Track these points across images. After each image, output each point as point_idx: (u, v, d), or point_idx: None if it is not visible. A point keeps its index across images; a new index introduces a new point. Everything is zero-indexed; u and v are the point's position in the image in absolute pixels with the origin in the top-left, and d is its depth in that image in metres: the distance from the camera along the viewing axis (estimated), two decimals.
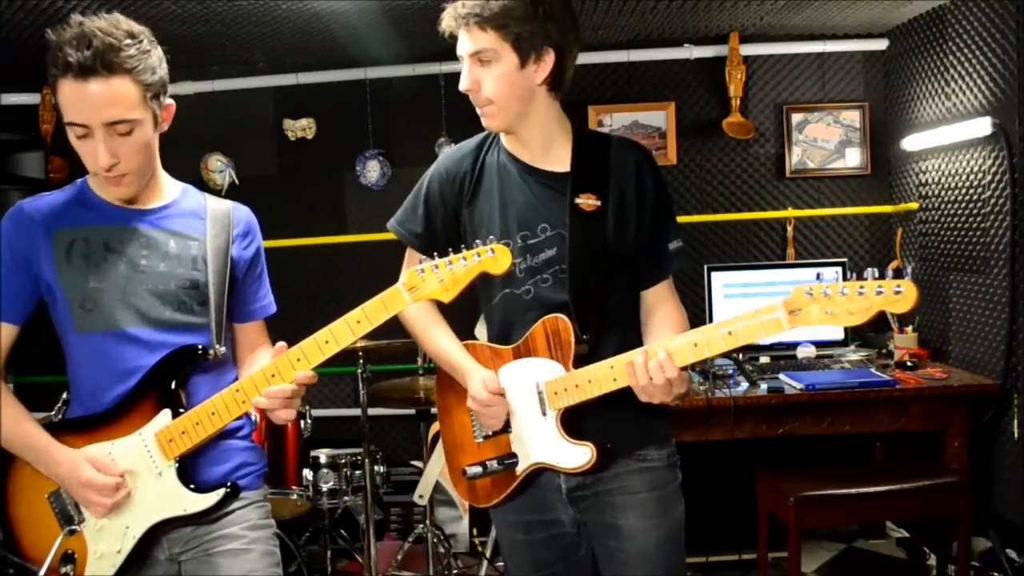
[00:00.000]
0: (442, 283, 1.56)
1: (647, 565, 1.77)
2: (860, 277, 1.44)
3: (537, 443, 1.75)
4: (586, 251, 1.74)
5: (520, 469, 1.78)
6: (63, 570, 1.63)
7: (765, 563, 3.12)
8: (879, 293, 1.39)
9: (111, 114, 1.52)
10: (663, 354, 1.58)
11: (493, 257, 1.55)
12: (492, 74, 1.69)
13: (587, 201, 1.75)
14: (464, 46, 1.71)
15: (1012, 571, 2.97)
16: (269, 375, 1.63)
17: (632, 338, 1.77)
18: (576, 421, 1.73)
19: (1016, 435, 3.04)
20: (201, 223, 1.74)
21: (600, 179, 1.76)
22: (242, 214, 1.81)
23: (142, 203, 1.69)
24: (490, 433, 1.81)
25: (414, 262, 1.89)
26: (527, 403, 1.75)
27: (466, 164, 1.84)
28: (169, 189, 1.75)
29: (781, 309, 1.48)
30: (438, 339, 1.88)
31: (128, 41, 1.53)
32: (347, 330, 1.62)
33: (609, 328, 1.76)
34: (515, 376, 1.77)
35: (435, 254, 1.58)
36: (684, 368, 1.60)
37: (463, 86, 1.73)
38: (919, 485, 2.99)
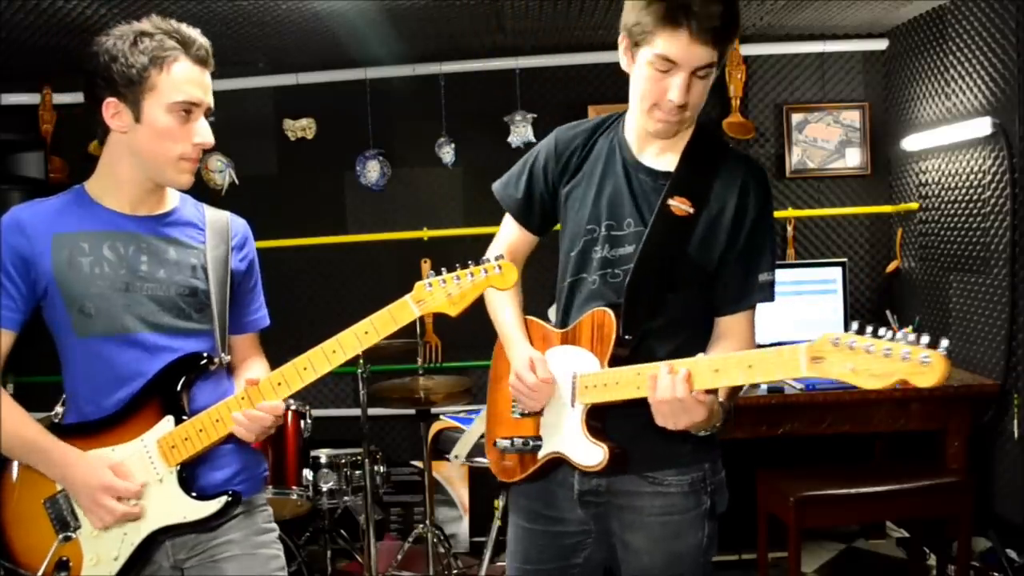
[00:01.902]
0: (449, 297, 1.59)
1: None
2: (895, 336, 1.26)
3: (560, 432, 1.75)
4: (660, 255, 1.68)
5: (542, 454, 1.78)
6: None
7: (765, 563, 3.13)
8: (905, 359, 1.22)
9: (211, 101, 1.66)
10: (684, 372, 1.51)
11: (500, 274, 1.58)
12: (703, 86, 1.63)
13: (680, 205, 1.68)
14: (693, 58, 1.57)
15: (1012, 571, 2.97)
16: (275, 383, 1.64)
17: (687, 354, 1.59)
18: (603, 421, 1.71)
19: (1016, 435, 3.04)
20: (200, 233, 1.75)
21: (702, 187, 1.69)
22: (239, 225, 1.82)
23: (144, 210, 1.69)
24: (526, 412, 1.82)
25: (509, 227, 1.92)
26: (562, 391, 1.75)
27: (577, 142, 1.82)
28: (169, 197, 1.75)
29: (803, 354, 1.38)
30: (500, 309, 1.88)
31: None
32: (355, 340, 1.63)
33: (660, 338, 1.69)
34: (557, 361, 1.77)
35: (443, 269, 1.59)
36: (709, 391, 1.52)
37: (680, 100, 1.59)
38: (919, 485, 2.99)
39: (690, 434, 1.64)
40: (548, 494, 1.82)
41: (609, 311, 1.69)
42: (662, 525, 1.72)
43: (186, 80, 1.60)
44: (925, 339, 1.23)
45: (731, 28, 1.59)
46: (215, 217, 1.79)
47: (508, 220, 1.93)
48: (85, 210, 1.67)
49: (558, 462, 1.77)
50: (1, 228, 1.62)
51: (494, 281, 1.59)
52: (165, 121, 1.60)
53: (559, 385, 1.75)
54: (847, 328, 1.33)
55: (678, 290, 1.70)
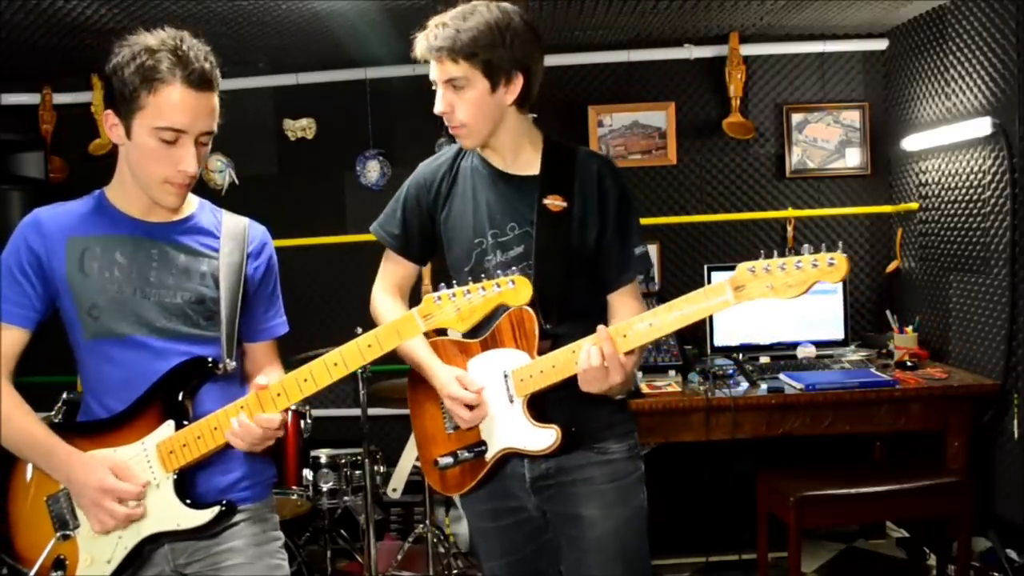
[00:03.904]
0: (458, 312, 1.57)
1: (604, 551, 1.85)
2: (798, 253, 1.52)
3: (505, 429, 1.82)
4: (552, 248, 1.83)
5: (490, 455, 1.85)
6: (53, 575, 1.62)
7: (765, 563, 3.13)
8: (815, 266, 1.49)
9: (208, 125, 1.62)
10: (602, 331, 1.67)
11: (513, 289, 1.57)
12: (465, 99, 1.79)
13: (554, 202, 1.84)
14: (437, 74, 1.80)
15: (1012, 571, 2.97)
16: (275, 394, 1.63)
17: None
18: (542, 410, 1.81)
19: (1016, 435, 3.04)
20: (215, 240, 1.74)
21: (566, 183, 1.86)
22: (257, 232, 1.82)
23: (158, 215, 1.70)
24: (465, 426, 1.86)
25: (391, 263, 2.04)
26: (495, 392, 1.83)
27: (442, 171, 1.96)
28: (186, 203, 1.74)
29: (727, 286, 1.56)
30: (408, 344, 1.91)
31: (214, 59, 1.63)
32: (357, 353, 1.62)
33: (572, 320, 1.82)
34: (483, 367, 1.85)
35: (446, 284, 1.61)
36: (629, 353, 1.68)
37: (438, 109, 1.82)
38: (919, 485, 2.99)
39: (621, 405, 1.88)
40: (502, 489, 1.91)
41: (527, 308, 1.78)
42: (613, 491, 1.87)
43: (172, 106, 1.56)
44: (824, 248, 1.50)
45: (467, 46, 1.74)
46: (232, 224, 1.79)
47: (389, 256, 2.05)
48: (102, 214, 1.68)
49: (507, 459, 1.86)
50: (21, 227, 1.65)
51: (507, 297, 1.57)
52: (150, 144, 1.58)
53: (492, 387, 1.83)
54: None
55: (574, 278, 1.86)
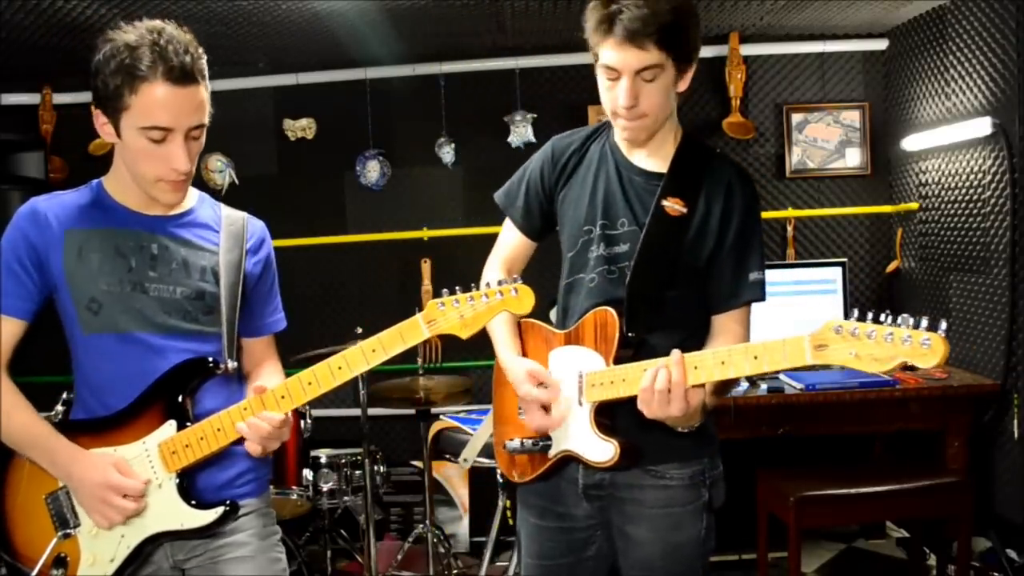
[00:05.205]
0: (462, 319, 1.56)
1: (651, 572, 1.78)
2: (893, 322, 1.33)
3: (570, 431, 1.76)
4: (657, 253, 1.72)
5: (552, 453, 1.80)
6: (54, 573, 1.62)
7: (765, 563, 3.13)
8: (906, 342, 1.30)
9: (197, 119, 1.57)
10: (675, 356, 1.56)
11: (516, 297, 1.55)
12: (654, 88, 1.67)
13: (673, 205, 1.73)
14: (629, 62, 1.64)
15: (1012, 571, 2.97)
16: (279, 396, 1.63)
17: (687, 351, 1.64)
18: (611, 418, 1.73)
19: (1016, 435, 3.04)
20: (215, 235, 1.73)
21: (693, 187, 1.74)
22: (256, 227, 1.81)
23: (158, 209, 1.68)
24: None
25: (508, 233, 1.97)
26: (568, 390, 1.76)
27: (572, 148, 1.88)
28: (187, 196, 1.73)
29: (808, 345, 1.41)
30: (493, 323, 1.84)
31: (201, 50, 1.58)
32: (361, 358, 1.62)
33: (665, 330, 1.72)
34: (562, 362, 1.79)
35: (457, 288, 1.58)
36: (696, 387, 1.57)
37: (625, 103, 1.66)
38: (919, 485, 2.99)
39: (702, 427, 1.70)
40: (555, 490, 1.85)
41: (611, 310, 1.71)
42: (663, 517, 1.76)
43: (155, 104, 1.52)
44: (924, 323, 1.30)
45: (666, 29, 1.61)
46: (232, 218, 1.77)
47: (508, 226, 1.97)
48: (100, 207, 1.66)
49: (568, 460, 1.79)
50: (18, 217, 1.63)
51: (510, 305, 1.55)
52: (138, 143, 1.55)
53: (566, 385, 1.77)
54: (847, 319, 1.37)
55: (676, 289, 1.74)
